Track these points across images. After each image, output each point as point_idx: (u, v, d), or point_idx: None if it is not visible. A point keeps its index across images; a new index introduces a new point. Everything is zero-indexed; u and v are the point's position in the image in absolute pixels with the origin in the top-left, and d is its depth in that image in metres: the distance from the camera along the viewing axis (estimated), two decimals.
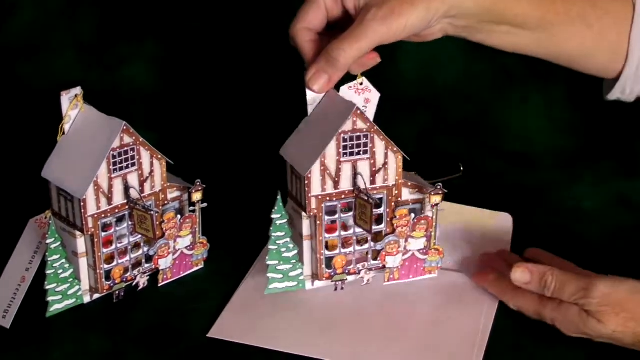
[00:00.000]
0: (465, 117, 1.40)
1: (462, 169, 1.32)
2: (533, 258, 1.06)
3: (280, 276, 1.04)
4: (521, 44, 1.02)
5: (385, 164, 1.01)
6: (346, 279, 1.05)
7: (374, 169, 1.01)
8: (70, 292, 1.05)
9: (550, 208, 1.24)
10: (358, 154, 1.00)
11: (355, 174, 1.00)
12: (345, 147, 0.99)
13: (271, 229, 1.03)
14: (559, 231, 1.18)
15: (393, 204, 1.02)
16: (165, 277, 1.10)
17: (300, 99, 1.03)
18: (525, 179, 1.31)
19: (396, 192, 1.02)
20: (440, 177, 1.30)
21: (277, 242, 1.03)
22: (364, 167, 1.01)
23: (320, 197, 1.01)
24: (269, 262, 1.03)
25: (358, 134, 0.99)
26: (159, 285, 1.10)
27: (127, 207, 1.04)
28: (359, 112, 0.98)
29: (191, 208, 1.09)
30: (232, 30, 1.44)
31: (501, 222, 1.11)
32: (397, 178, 1.02)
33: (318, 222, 1.02)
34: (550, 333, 1.02)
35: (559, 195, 1.27)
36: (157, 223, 1.05)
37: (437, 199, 1.02)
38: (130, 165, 1.03)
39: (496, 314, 1.05)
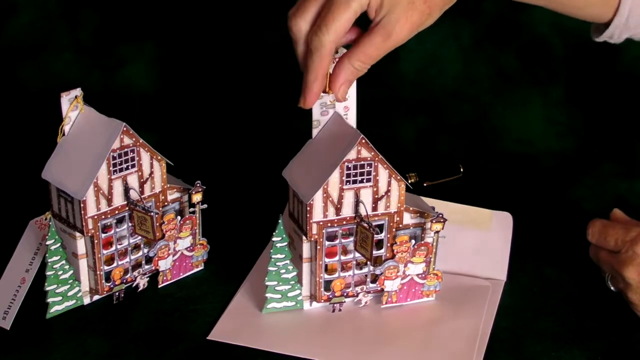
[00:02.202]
0: (465, 118, 1.40)
1: (461, 170, 1.32)
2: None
3: (279, 296, 1.04)
4: None
5: (388, 191, 1.01)
6: (344, 301, 1.05)
7: (376, 197, 1.01)
8: (70, 293, 1.05)
9: (550, 210, 1.24)
10: (361, 181, 1.00)
11: (357, 201, 1.01)
12: (348, 175, 0.99)
13: (271, 251, 1.03)
14: (559, 232, 1.18)
15: (394, 230, 1.02)
16: (165, 278, 1.10)
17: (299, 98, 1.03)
18: (524, 180, 1.31)
19: (397, 218, 1.02)
20: (440, 178, 1.30)
21: (277, 263, 1.03)
22: (366, 195, 1.01)
23: (321, 223, 1.01)
24: (267, 283, 1.04)
25: (362, 162, 0.99)
26: (159, 286, 1.10)
27: (127, 208, 1.04)
28: (364, 141, 0.98)
29: (191, 209, 1.09)
30: (232, 30, 1.45)
31: (501, 220, 1.11)
32: (399, 205, 1.02)
33: (318, 247, 1.02)
34: (551, 334, 1.02)
35: (558, 197, 1.27)
36: (157, 224, 1.05)
37: (438, 226, 1.03)
38: (130, 167, 1.03)
39: (497, 315, 1.05)
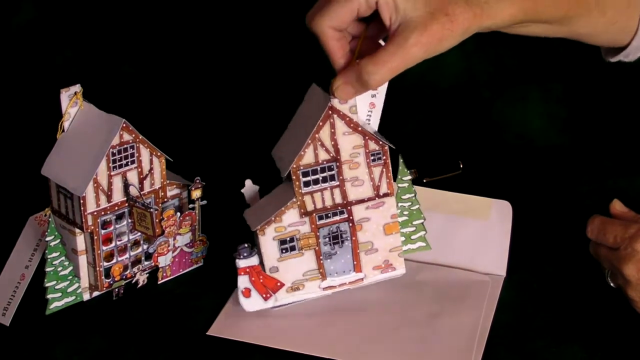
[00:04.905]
0: (465, 114, 1.40)
1: (461, 166, 1.32)
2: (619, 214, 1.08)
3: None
4: (538, 32, 1.02)
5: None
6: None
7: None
8: (69, 289, 1.05)
9: (550, 205, 1.24)
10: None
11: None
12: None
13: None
14: (559, 227, 1.18)
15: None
16: (164, 274, 1.10)
17: (301, 98, 1.03)
18: (524, 176, 1.31)
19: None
20: (440, 174, 1.30)
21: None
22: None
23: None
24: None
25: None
26: (159, 282, 1.10)
27: (126, 204, 1.05)
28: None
29: (191, 205, 1.09)
30: (232, 27, 1.44)
31: (500, 210, 1.11)
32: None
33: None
34: (551, 329, 1.02)
35: (558, 192, 1.27)
36: (157, 220, 1.05)
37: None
38: (129, 163, 1.03)
39: (496, 310, 1.05)
